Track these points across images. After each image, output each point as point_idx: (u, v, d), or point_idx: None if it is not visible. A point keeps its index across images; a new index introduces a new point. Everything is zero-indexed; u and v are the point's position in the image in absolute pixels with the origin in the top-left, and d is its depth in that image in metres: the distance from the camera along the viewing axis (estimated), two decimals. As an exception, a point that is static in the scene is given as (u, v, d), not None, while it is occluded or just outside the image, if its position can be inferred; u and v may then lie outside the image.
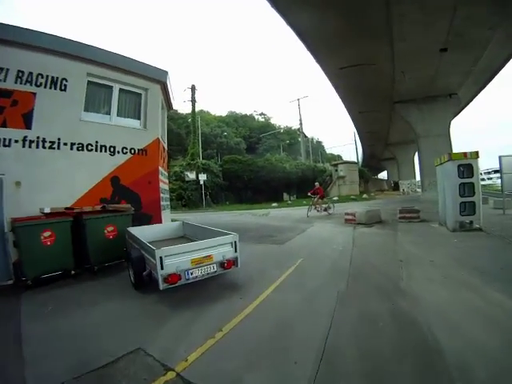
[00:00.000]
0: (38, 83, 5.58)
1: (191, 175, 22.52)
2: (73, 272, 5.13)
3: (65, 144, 5.82)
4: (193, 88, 26.27)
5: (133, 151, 6.78)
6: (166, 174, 9.17)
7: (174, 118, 33.85)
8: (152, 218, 6.90)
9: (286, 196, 23.83)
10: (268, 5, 10.51)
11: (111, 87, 6.73)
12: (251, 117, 57.36)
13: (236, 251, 4.25)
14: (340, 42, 12.94)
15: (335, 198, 22.89)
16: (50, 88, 5.71)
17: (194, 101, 26.26)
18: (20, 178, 5.20)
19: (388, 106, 20.40)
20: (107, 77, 6.59)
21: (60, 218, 5.08)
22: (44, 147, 5.55)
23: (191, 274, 3.87)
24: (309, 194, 14.33)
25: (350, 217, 10.14)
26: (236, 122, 51.28)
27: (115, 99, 6.78)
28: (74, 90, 6.00)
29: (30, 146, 5.38)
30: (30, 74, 5.50)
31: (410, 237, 7.31)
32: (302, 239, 7.80)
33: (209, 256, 3.99)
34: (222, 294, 4.08)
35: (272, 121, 57.19)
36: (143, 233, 5.17)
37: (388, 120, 24.38)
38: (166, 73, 7.67)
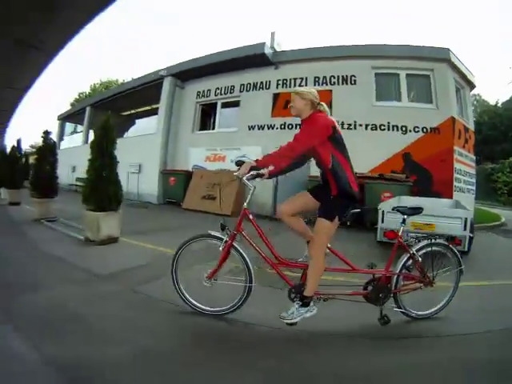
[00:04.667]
0: (332, 82, 7.35)
1: None
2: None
3: (360, 125, 7.05)
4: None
5: (424, 130, 6.99)
6: (472, 157, 8.53)
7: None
8: (441, 197, 6.35)
9: None
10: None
11: (398, 74, 7.27)
12: None
13: (465, 229, 3.67)
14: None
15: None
16: (343, 84, 7.20)
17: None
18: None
19: None
20: (391, 66, 7.23)
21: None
22: (343, 128, 6.77)
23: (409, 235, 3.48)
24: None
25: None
26: None
27: (403, 84, 7.27)
28: (363, 82, 7.13)
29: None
30: (324, 77, 7.42)
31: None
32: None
33: (430, 225, 3.75)
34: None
35: None
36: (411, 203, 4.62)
37: None
38: (446, 50, 7.27)
